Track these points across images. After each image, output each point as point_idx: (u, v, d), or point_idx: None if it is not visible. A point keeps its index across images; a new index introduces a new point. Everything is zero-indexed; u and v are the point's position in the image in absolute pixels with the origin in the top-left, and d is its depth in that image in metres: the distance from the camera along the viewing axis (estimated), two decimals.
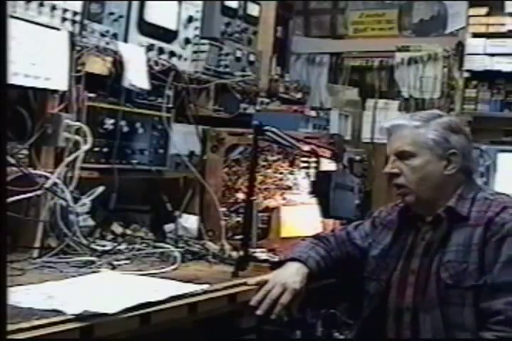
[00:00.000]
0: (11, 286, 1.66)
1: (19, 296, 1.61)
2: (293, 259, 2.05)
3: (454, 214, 1.90)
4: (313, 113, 3.40)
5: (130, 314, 1.58)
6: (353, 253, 2.15)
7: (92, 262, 2.07)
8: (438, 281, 1.86)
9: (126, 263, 2.14)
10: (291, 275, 1.98)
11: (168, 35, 2.68)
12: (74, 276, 1.90)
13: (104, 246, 2.29)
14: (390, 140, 2.00)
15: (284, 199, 2.78)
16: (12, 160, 2.02)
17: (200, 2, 2.86)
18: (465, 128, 2.01)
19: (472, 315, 1.81)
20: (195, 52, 2.83)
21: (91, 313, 1.51)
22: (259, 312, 1.88)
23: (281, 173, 2.80)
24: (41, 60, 2.06)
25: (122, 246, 2.31)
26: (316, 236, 2.20)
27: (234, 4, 3.10)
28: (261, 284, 1.96)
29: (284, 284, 1.94)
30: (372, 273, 2.05)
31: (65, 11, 2.13)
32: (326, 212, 2.35)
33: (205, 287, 1.87)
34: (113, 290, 1.80)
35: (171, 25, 2.68)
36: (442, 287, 1.85)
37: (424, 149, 1.93)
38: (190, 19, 2.79)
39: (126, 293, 1.75)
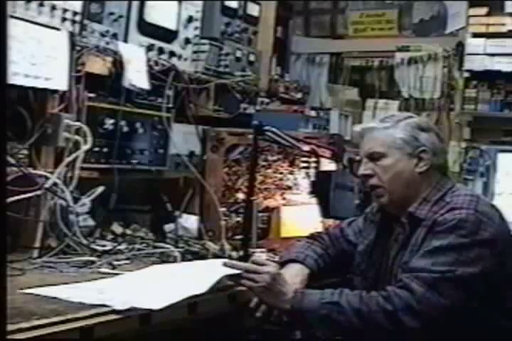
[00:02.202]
0: (29, 288, 1.72)
1: (71, 291, 1.68)
2: (291, 261, 2.06)
3: (414, 217, 1.91)
4: (313, 113, 3.40)
5: (131, 314, 1.59)
6: (348, 250, 2.16)
7: (92, 262, 2.07)
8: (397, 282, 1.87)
9: (126, 263, 2.14)
10: (290, 276, 1.98)
11: (168, 35, 2.68)
12: (74, 276, 1.90)
13: (104, 246, 2.29)
14: (362, 143, 2.02)
15: (284, 199, 2.78)
16: (12, 160, 2.02)
17: (200, 2, 2.86)
18: (436, 128, 2.03)
19: None
20: (195, 52, 2.83)
21: (137, 309, 1.57)
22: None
23: (281, 173, 2.80)
24: (41, 60, 2.06)
25: (122, 246, 2.31)
26: (311, 236, 2.21)
27: (234, 4, 3.10)
28: None
29: None
30: (357, 268, 2.07)
31: (65, 11, 2.13)
32: (326, 212, 2.35)
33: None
34: (161, 284, 1.84)
35: (171, 25, 2.69)
36: None
37: (393, 149, 1.95)
38: (190, 19, 2.79)
39: (171, 287, 1.79)
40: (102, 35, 2.37)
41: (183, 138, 2.72)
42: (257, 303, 1.89)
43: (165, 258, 2.25)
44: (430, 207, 1.90)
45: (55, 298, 1.62)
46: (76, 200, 2.20)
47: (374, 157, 1.96)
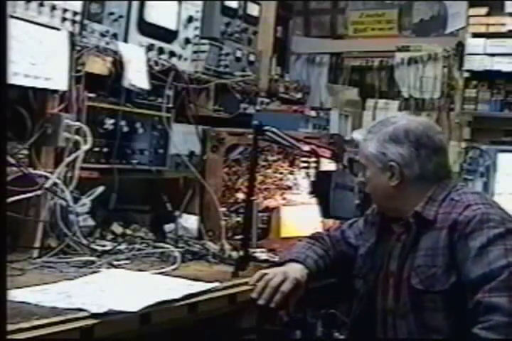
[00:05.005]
0: (27, 286, 1.71)
1: (39, 296, 1.63)
2: (291, 260, 2.06)
3: (421, 218, 1.90)
4: (313, 113, 3.40)
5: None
6: (348, 252, 2.16)
7: (92, 262, 2.07)
8: (409, 287, 1.86)
9: (126, 263, 2.14)
10: (291, 269, 2.00)
11: (168, 35, 2.68)
12: (74, 276, 1.90)
13: (104, 246, 2.29)
14: None
15: (284, 199, 2.77)
16: (12, 160, 2.02)
17: (200, 2, 2.86)
18: (415, 134, 1.93)
19: (445, 318, 1.81)
20: (195, 52, 2.83)
21: (116, 312, 1.54)
22: (260, 301, 1.90)
23: (281, 173, 2.80)
24: (41, 60, 2.06)
25: (122, 246, 2.31)
26: (312, 236, 2.21)
27: (234, 4, 3.10)
28: (261, 276, 1.98)
29: (284, 273, 1.96)
30: (360, 271, 2.07)
31: (65, 11, 2.13)
32: (326, 212, 2.35)
33: (214, 285, 1.90)
34: (129, 288, 1.82)
35: (171, 25, 2.68)
36: (413, 293, 1.85)
37: (369, 161, 1.98)
38: (190, 19, 2.79)
39: (143, 291, 1.78)
40: (102, 35, 2.37)
41: (183, 138, 2.72)
42: (258, 292, 1.90)
43: (165, 258, 2.25)
44: (437, 207, 1.89)
45: (23, 302, 1.58)
46: (76, 200, 2.20)
47: (362, 166, 2.02)
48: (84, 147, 2.21)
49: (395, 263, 1.94)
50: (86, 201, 2.24)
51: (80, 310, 1.54)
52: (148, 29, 2.56)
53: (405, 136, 1.94)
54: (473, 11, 4.27)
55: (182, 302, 1.75)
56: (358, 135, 2.06)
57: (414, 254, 1.88)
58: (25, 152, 2.12)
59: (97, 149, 2.32)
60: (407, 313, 1.86)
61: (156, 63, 2.57)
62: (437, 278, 1.82)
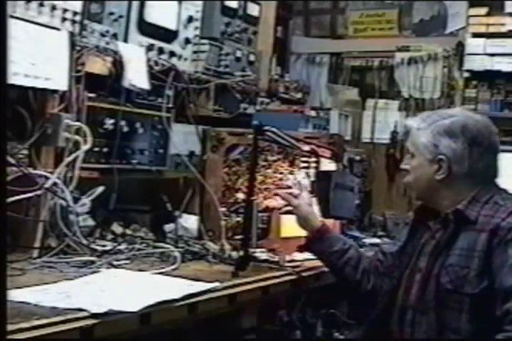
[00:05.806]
0: (27, 286, 1.71)
1: (39, 296, 1.63)
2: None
3: (462, 217, 1.87)
4: (313, 113, 3.40)
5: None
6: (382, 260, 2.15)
7: (92, 262, 2.07)
8: (437, 285, 1.85)
9: (126, 263, 2.14)
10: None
11: (168, 35, 2.68)
12: (74, 276, 1.90)
13: (104, 246, 2.29)
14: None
15: None
16: (12, 160, 2.02)
17: (200, 2, 2.86)
18: (471, 131, 1.91)
19: (468, 321, 1.79)
20: (195, 52, 2.83)
21: (116, 312, 1.54)
22: None
23: (281, 173, 2.80)
24: (41, 60, 2.06)
25: (122, 246, 2.31)
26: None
27: (234, 4, 3.10)
28: None
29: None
30: (387, 269, 2.06)
31: (65, 11, 2.13)
32: (326, 212, 2.35)
33: (214, 285, 1.89)
34: (129, 288, 1.82)
35: (171, 25, 2.69)
36: (441, 291, 1.84)
37: (418, 151, 1.96)
38: (190, 19, 2.79)
39: (143, 291, 1.77)
40: (102, 35, 2.37)
41: (183, 138, 2.72)
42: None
43: (165, 258, 2.25)
44: (480, 209, 1.87)
45: (23, 302, 1.58)
46: (76, 200, 2.20)
47: (410, 154, 2.00)
48: (84, 147, 2.21)
49: (425, 260, 1.92)
50: (86, 201, 2.24)
51: (80, 310, 1.54)
52: (148, 29, 2.56)
53: (461, 132, 1.91)
54: (473, 11, 4.27)
55: (182, 303, 1.75)
56: (411, 122, 2.03)
57: (448, 252, 1.86)
58: (25, 152, 2.12)
59: (97, 149, 2.32)
60: (428, 310, 1.85)
61: (156, 63, 2.57)
62: (468, 280, 1.80)
